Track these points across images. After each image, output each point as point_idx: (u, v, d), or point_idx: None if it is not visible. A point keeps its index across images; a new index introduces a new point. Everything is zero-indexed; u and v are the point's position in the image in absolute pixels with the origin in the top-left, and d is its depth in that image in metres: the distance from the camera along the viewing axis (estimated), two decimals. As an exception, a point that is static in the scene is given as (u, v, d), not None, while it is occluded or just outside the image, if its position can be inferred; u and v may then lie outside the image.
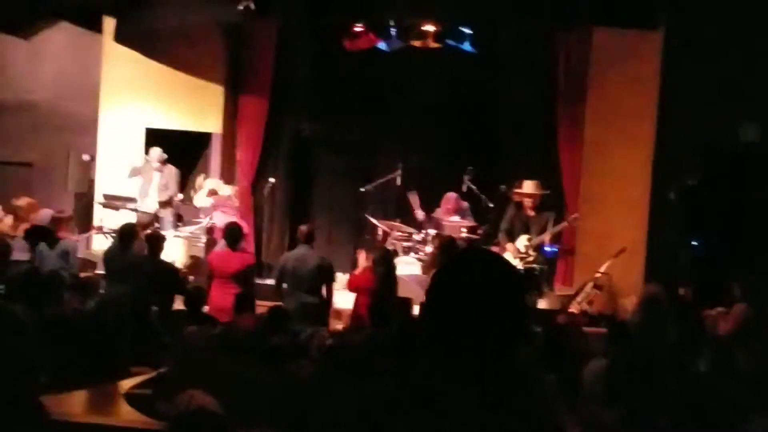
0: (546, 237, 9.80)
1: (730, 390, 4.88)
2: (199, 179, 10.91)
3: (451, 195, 10.53)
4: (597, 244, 10.27)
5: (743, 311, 6.55)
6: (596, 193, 10.50)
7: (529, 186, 9.89)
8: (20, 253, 8.59)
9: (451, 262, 2.06)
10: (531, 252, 9.71)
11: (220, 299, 7.76)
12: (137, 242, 8.21)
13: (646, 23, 10.11)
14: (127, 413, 4.40)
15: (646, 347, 5.37)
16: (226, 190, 10.60)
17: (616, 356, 5.22)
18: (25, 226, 9.29)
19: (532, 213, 9.88)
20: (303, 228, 8.46)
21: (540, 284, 9.74)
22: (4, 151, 11.58)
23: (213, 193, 10.47)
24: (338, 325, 8.23)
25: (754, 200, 9.76)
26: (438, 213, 10.59)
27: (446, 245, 8.81)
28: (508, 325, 1.95)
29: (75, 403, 4.53)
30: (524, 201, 9.92)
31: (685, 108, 9.98)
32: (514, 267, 2.08)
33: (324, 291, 8.15)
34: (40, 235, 8.44)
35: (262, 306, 7.22)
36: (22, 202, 9.72)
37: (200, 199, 10.65)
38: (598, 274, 9.51)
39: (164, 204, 10.63)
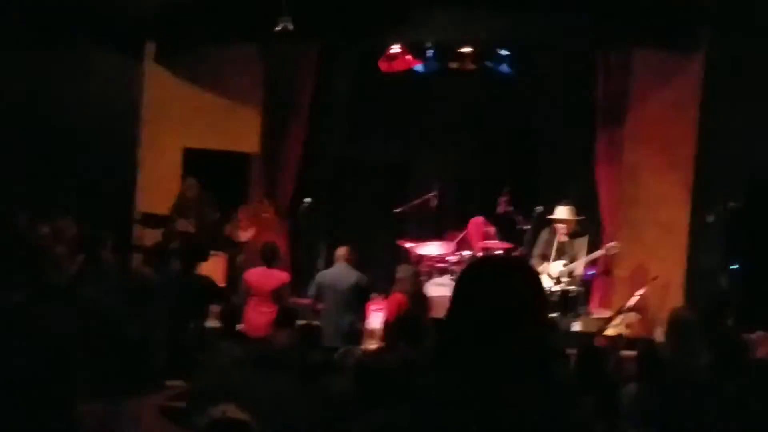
0: (580, 264, 9.71)
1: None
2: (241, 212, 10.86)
3: (477, 220, 10.51)
4: (635, 267, 10.15)
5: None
6: (635, 216, 10.38)
7: (563, 212, 9.82)
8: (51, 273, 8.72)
9: (468, 271, 1.99)
10: (566, 277, 9.64)
11: (256, 317, 7.81)
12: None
13: (687, 45, 10.03)
14: (160, 426, 4.41)
15: (676, 370, 5.30)
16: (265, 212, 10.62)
17: (647, 380, 5.16)
18: (58, 247, 9.41)
19: (565, 238, 9.80)
20: (341, 250, 8.51)
21: (576, 307, 9.65)
22: (44, 172, 11.74)
23: (253, 214, 10.48)
24: (372, 344, 8.22)
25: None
26: (468, 237, 10.60)
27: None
28: (529, 336, 1.86)
29: (109, 415, 4.55)
30: (558, 226, 9.85)
31: (725, 131, 9.85)
32: (534, 273, 1.99)
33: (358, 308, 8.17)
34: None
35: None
36: (61, 222, 9.84)
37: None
38: (636, 298, 9.39)
39: (202, 229, 10.70)
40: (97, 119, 11.83)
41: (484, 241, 10.40)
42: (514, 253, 10.40)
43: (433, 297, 8.81)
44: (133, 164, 11.47)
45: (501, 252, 10.11)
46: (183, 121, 11.38)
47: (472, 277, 1.95)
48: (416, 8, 10.16)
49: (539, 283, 1.96)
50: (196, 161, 11.13)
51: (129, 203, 11.54)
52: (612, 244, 9.88)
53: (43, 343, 4.10)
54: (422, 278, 9.23)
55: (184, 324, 6.64)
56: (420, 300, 8.19)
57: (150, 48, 11.35)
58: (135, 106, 11.47)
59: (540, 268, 9.77)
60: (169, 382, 5.14)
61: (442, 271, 10.43)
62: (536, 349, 1.89)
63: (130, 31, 11.37)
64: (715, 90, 9.97)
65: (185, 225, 10.52)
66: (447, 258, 10.46)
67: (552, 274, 9.66)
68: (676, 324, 6.12)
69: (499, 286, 1.88)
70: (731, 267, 9.59)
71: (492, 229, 10.53)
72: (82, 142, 11.76)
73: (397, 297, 8.15)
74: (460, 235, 10.69)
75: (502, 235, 10.50)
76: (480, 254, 10.30)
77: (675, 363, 5.53)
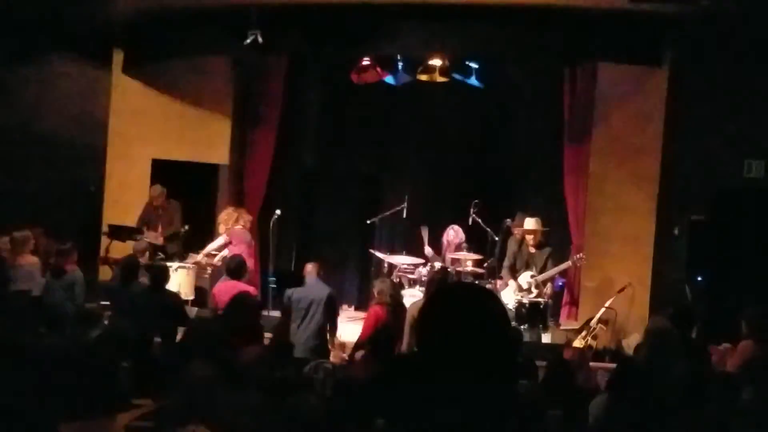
0: (548, 275, 9.77)
1: (736, 427, 4.84)
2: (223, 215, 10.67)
3: (447, 230, 10.57)
4: (602, 279, 10.23)
5: (750, 348, 6.52)
6: (601, 228, 10.47)
7: (529, 223, 9.91)
8: (23, 283, 8.65)
9: (434, 298, 2.03)
10: (534, 288, 9.70)
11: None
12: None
13: (651, 60, 10.15)
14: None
15: (651, 380, 5.34)
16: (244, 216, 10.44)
17: (619, 390, 5.20)
18: (24, 257, 9.30)
19: (533, 249, 9.88)
20: (310, 265, 8.52)
21: (545, 318, 9.72)
22: (11, 182, 11.62)
23: (233, 219, 10.33)
24: (342, 357, 8.20)
25: (760, 236, 9.73)
26: (443, 247, 10.65)
27: (438, 279, 8.75)
28: (495, 359, 1.90)
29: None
30: (526, 237, 9.93)
31: (690, 144, 9.99)
32: (499, 301, 2.04)
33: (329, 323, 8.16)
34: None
35: (266, 338, 7.21)
36: (17, 234, 9.72)
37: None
38: (603, 309, 9.47)
39: (170, 238, 10.62)
40: (64, 129, 11.72)
41: (455, 252, 10.46)
42: (484, 264, 10.47)
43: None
44: (100, 175, 11.37)
45: (467, 278, 10.18)
46: (151, 132, 11.30)
47: (439, 307, 1.98)
48: (386, 21, 10.19)
49: (504, 310, 2.00)
50: (164, 172, 11.06)
51: (96, 215, 11.43)
52: (579, 255, 9.97)
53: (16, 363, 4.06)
54: (400, 292, 9.20)
55: (151, 341, 6.57)
56: (399, 311, 8.19)
57: (118, 57, 11.26)
58: (102, 116, 11.38)
59: (509, 281, 9.84)
60: (136, 401, 5.09)
61: (413, 282, 10.45)
62: (503, 371, 1.93)
63: (97, 40, 11.28)
64: (679, 102, 10.09)
65: (153, 237, 10.44)
66: (418, 269, 10.49)
67: (521, 286, 9.72)
68: (654, 334, 6.16)
69: (466, 315, 1.92)
70: (696, 279, 9.70)
71: (462, 240, 10.58)
72: (48, 152, 11.65)
73: (376, 309, 8.15)
74: (431, 246, 10.73)
75: (472, 246, 10.55)
76: (451, 260, 10.36)
77: (651, 373, 5.57)
